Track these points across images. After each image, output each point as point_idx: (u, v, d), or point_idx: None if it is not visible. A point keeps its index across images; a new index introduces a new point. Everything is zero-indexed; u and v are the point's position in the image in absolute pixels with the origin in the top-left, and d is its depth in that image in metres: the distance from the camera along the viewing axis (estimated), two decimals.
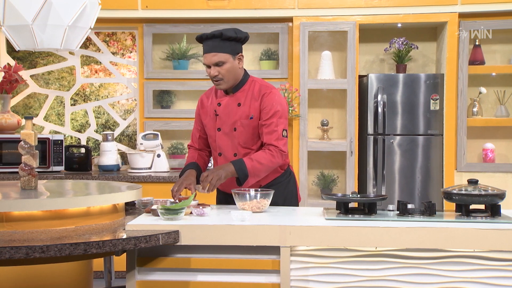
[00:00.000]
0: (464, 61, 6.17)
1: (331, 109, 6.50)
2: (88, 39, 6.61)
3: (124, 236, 2.95)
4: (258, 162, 3.65)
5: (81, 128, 6.69)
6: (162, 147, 6.23)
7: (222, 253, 3.17)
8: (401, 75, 6.12)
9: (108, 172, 6.15)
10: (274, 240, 3.11)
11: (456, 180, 6.15)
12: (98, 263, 4.79)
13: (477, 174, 6.11)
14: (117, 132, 6.65)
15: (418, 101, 6.07)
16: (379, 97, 6.00)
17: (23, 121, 6.52)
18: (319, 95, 6.44)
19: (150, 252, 3.19)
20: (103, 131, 6.60)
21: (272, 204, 3.64)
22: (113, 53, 6.65)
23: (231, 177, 3.68)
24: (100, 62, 6.66)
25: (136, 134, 6.62)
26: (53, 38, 3.52)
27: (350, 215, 3.30)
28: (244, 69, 3.85)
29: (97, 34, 6.62)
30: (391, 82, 6.07)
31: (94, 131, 6.66)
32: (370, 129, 6.08)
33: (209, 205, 3.53)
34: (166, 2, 6.11)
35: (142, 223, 3.16)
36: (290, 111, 6.03)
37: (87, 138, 6.67)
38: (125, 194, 3.39)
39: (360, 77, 6.33)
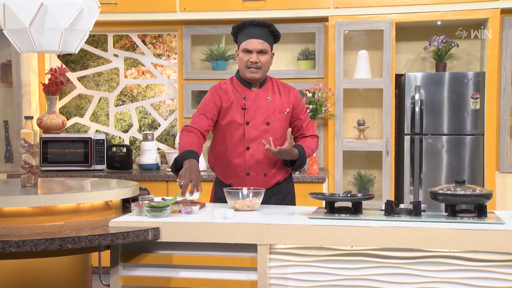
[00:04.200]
0: (507, 59, 6.00)
1: (371, 109, 6.43)
2: (134, 42, 6.78)
3: (102, 232, 3.04)
4: (310, 149, 3.97)
5: (129, 128, 6.87)
6: None
7: (203, 250, 3.22)
8: (440, 74, 5.97)
9: (148, 171, 6.30)
10: (252, 238, 3.14)
11: (497, 181, 5.98)
12: None
13: None
14: (158, 131, 6.79)
15: (458, 100, 5.91)
16: (417, 96, 5.89)
17: (68, 122, 6.77)
18: (356, 95, 6.39)
19: (134, 248, 3.27)
20: (148, 130, 6.76)
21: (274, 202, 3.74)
22: (159, 55, 6.80)
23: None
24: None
25: None
26: (51, 41, 3.66)
27: (336, 214, 3.29)
28: None
29: (143, 36, 6.78)
30: (430, 81, 5.94)
31: (137, 130, 6.83)
32: (407, 129, 5.98)
33: (199, 204, 3.56)
34: (203, 4, 6.20)
35: (126, 220, 3.25)
36: (323, 110, 6.02)
37: (130, 137, 6.84)
38: (115, 192, 3.48)
39: (400, 76, 6.24)
